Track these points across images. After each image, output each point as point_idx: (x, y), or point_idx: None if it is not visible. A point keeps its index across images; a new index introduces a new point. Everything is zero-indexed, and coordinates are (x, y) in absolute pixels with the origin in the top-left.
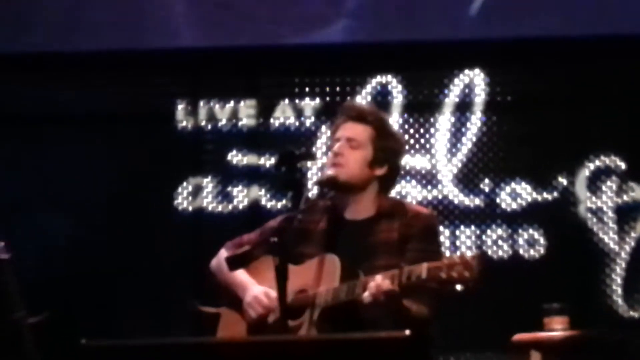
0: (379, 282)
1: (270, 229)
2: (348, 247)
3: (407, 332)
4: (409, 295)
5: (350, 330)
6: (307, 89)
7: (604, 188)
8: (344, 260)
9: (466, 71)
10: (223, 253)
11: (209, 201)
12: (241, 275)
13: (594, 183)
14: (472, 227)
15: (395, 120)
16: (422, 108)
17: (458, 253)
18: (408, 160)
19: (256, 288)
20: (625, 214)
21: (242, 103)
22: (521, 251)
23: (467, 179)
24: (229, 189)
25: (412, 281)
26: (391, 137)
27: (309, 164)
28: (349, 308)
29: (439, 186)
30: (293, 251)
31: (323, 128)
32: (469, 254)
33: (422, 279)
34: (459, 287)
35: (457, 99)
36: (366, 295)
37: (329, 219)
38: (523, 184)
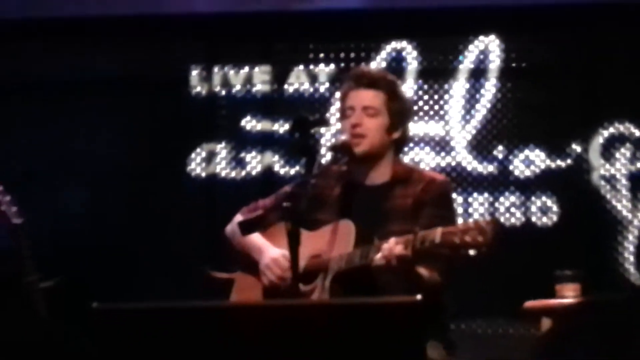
0: (393, 246)
1: (284, 194)
2: (362, 212)
3: (419, 297)
4: (422, 262)
5: (362, 295)
6: (321, 55)
7: (617, 155)
8: (359, 226)
9: (481, 37)
10: (238, 218)
11: (222, 167)
12: (257, 238)
13: (608, 150)
14: (485, 194)
15: (409, 86)
16: (436, 74)
17: (471, 219)
18: (422, 127)
19: (273, 251)
20: (639, 182)
21: (256, 69)
22: (534, 218)
23: (480, 146)
24: (243, 155)
25: (426, 246)
26: (402, 99)
27: (322, 130)
28: (362, 273)
29: (453, 153)
30: (308, 217)
31: (337, 94)
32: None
33: (436, 244)
34: (472, 252)
35: (471, 66)
36: (379, 257)
37: (344, 184)
38: (537, 151)
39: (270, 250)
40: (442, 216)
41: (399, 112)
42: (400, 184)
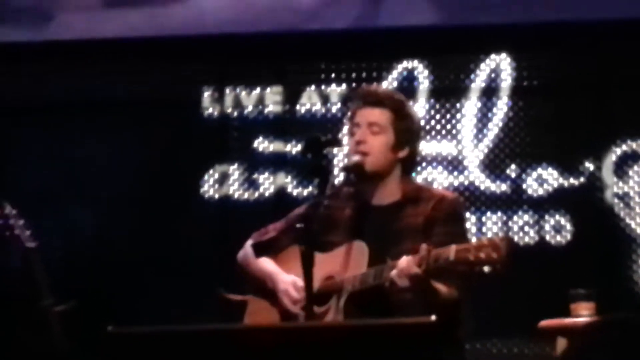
0: (406, 265)
1: (296, 216)
2: (374, 233)
3: (433, 317)
4: (440, 278)
5: (378, 316)
6: (333, 75)
7: (630, 173)
8: (372, 247)
9: (492, 56)
10: (249, 243)
11: (235, 189)
12: (268, 264)
13: (621, 168)
14: (499, 213)
15: (421, 105)
16: (448, 93)
17: (485, 237)
18: (434, 146)
19: (284, 277)
20: None
21: (268, 90)
22: (547, 237)
23: (493, 165)
24: (255, 176)
25: (440, 264)
26: (410, 118)
27: (335, 150)
28: (376, 293)
29: (465, 172)
30: (320, 239)
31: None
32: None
33: (450, 261)
34: (486, 269)
35: (483, 84)
36: (394, 273)
37: (354, 205)
38: (549, 169)
39: (281, 276)
40: (455, 233)
41: (406, 130)
42: (410, 203)
